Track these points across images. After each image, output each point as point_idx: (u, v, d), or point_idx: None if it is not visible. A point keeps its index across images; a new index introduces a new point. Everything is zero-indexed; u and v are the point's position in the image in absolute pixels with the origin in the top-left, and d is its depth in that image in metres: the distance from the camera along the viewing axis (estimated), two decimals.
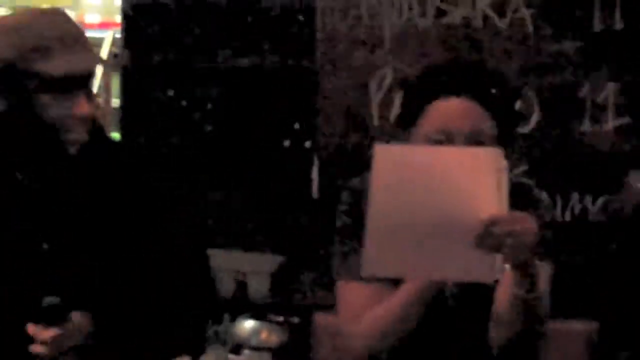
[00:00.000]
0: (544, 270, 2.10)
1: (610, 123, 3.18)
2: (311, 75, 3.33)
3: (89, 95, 2.07)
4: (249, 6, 3.48)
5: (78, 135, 2.04)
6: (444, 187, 1.94)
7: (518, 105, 3.12)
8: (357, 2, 3.26)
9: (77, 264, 2.07)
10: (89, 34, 4.84)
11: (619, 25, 3.13)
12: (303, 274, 3.42)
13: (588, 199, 3.16)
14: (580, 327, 2.98)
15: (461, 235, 1.93)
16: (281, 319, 3.27)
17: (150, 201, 2.22)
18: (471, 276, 2.01)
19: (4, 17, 2.18)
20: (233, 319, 3.25)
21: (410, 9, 3.26)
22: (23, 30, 2.02)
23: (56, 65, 1.99)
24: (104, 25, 5.07)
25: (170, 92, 3.54)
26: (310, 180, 3.36)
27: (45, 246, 2.04)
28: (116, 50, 4.40)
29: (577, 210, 3.13)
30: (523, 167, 3.12)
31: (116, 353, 2.04)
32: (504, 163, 1.92)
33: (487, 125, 2.14)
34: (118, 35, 3.85)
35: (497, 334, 2.14)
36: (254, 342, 3.18)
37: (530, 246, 1.95)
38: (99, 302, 2.03)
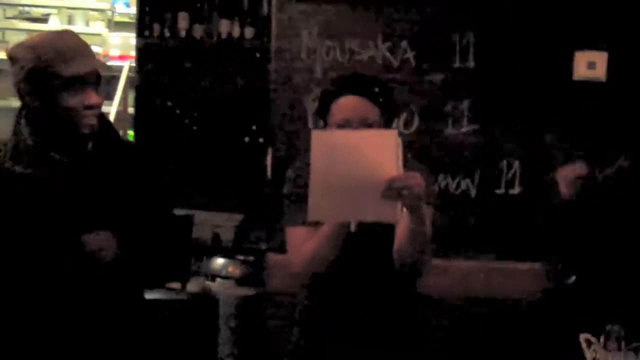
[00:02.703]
0: (428, 212, 2.35)
1: (465, 128, 3.78)
2: (265, 93, 3.86)
3: (96, 90, 2.19)
4: (225, 46, 4.06)
5: (89, 119, 2.19)
6: (360, 158, 2.14)
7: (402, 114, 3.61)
8: (298, 44, 3.78)
9: (101, 213, 2.24)
10: (112, 63, 5.13)
11: (471, 63, 3.76)
12: (258, 228, 3.96)
13: (449, 179, 3.79)
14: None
15: (373, 190, 2.13)
16: (242, 257, 3.87)
17: (146, 174, 2.36)
18: (381, 217, 2.22)
19: (32, 37, 2.28)
20: (210, 258, 3.84)
21: (334, 50, 3.79)
22: (44, 45, 2.16)
23: (69, 68, 2.13)
24: (122, 57, 5.33)
25: (169, 103, 4.12)
26: (264, 166, 3.82)
27: (83, 200, 2.21)
28: (132, 74, 4.77)
29: (442, 186, 3.76)
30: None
31: (134, 269, 2.28)
32: (399, 140, 2.14)
33: (374, 114, 2.39)
34: (133, 64, 4.34)
35: (399, 258, 2.38)
36: (223, 273, 3.81)
37: (419, 194, 2.18)
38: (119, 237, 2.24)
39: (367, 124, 2.34)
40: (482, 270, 3.74)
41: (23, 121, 2.22)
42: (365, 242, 2.39)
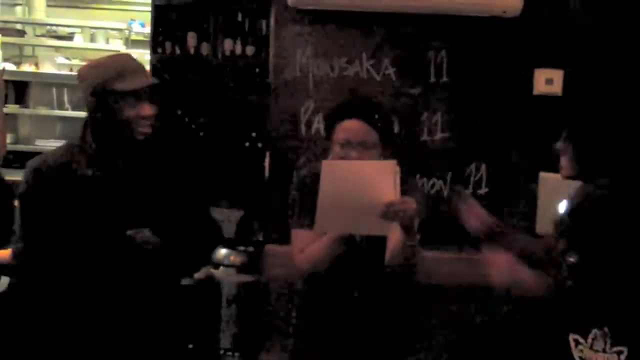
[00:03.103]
0: (416, 224, 2.44)
1: (439, 135, 3.93)
2: (263, 103, 3.97)
3: (150, 102, 2.35)
4: (228, 62, 4.13)
5: (144, 128, 2.35)
6: (363, 184, 2.26)
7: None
8: (293, 61, 3.87)
9: (149, 210, 2.37)
10: None
11: (445, 78, 3.89)
12: (255, 222, 4.08)
13: (424, 179, 3.91)
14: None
15: (373, 211, 2.26)
16: (242, 248, 4.00)
17: (180, 177, 2.47)
18: (378, 232, 2.39)
19: (97, 59, 2.43)
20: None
21: (324, 66, 3.90)
22: (106, 65, 2.33)
23: (127, 84, 2.29)
24: None
25: (179, 112, 4.24)
26: (263, 167, 3.91)
27: (121, 207, 2.35)
28: None
29: (418, 186, 3.73)
30: None
31: (172, 257, 2.41)
32: (397, 168, 2.28)
33: (373, 137, 2.49)
34: None
35: (390, 265, 2.51)
36: (226, 262, 3.95)
37: (411, 216, 2.33)
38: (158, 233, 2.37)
39: (366, 146, 2.45)
40: (453, 260, 3.81)
41: (88, 129, 2.37)
42: (364, 249, 2.55)
